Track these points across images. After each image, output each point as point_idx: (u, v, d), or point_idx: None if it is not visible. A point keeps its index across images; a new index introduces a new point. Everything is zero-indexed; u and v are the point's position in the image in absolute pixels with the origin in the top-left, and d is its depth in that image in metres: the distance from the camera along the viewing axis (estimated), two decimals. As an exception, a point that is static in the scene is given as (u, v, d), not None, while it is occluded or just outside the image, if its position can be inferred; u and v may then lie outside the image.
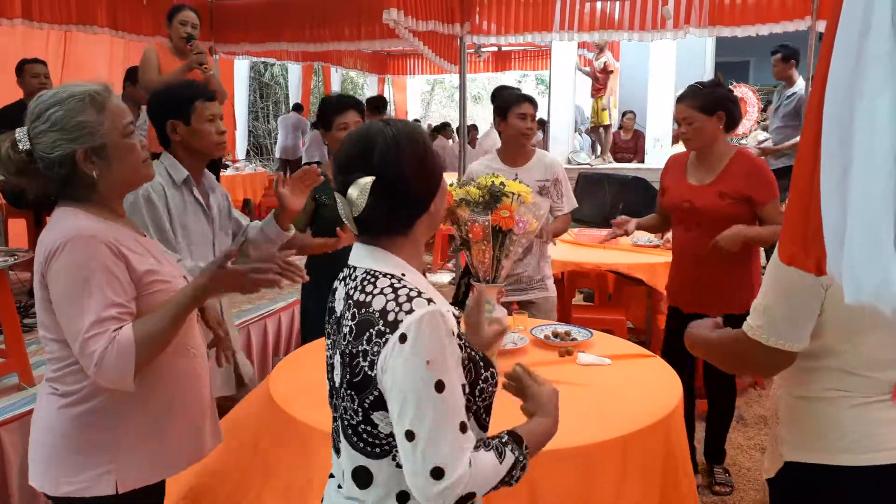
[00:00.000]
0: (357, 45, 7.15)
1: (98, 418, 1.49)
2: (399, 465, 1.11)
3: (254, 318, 3.99)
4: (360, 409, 1.13)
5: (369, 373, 1.09)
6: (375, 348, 1.08)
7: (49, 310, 1.45)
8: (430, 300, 1.10)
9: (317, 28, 6.79)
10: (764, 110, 9.58)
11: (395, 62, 13.05)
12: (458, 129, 6.70)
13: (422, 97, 19.46)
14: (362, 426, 1.14)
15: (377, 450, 1.14)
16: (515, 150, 3.16)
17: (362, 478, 1.16)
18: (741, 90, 7.28)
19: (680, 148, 3.21)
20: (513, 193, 2.23)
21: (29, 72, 4.50)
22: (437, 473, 1.05)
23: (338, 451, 1.22)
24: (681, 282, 2.89)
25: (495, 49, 11.83)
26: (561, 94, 8.44)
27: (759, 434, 3.52)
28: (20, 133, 1.44)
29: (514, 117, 3.07)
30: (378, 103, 7.38)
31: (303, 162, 9.95)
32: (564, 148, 8.33)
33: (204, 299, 1.52)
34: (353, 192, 1.12)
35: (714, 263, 2.66)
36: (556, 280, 4.20)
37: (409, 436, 1.06)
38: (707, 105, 2.63)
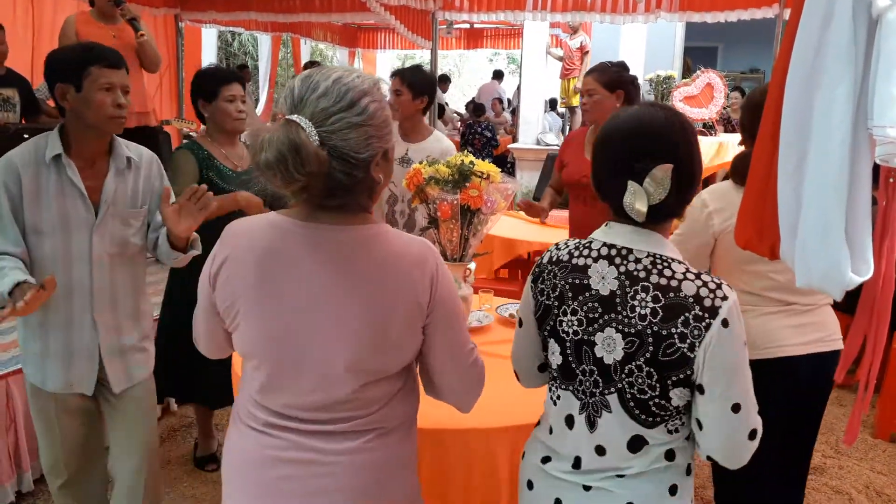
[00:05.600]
0: (328, 18, 7.04)
1: None
2: (671, 431, 1.23)
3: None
4: (658, 385, 1.18)
5: (689, 354, 1.16)
6: (696, 332, 1.15)
7: None
8: (728, 285, 1.20)
9: (287, -2, 6.65)
10: (729, 96, 9.74)
11: (366, 36, 12.89)
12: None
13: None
14: (656, 400, 1.19)
15: (657, 419, 1.21)
16: (404, 123, 3.17)
17: (636, 444, 1.23)
18: (708, 75, 7.32)
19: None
20: (482, 173, 2.25)
21: None
22: (753, 435, 1.21)
23: (592, 424, 1.25)
24: None
25: (467, 26, 11.78)
26: (532, 74, 8.44)
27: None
28: (304, 122, 1.09)
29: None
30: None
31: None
32: (534, 128, 8.34)
33: None
34: (652, 180, 1.17)
35: None
36: (522, 260, 4.26)
37: (736, 408, 1.18)
38: (611, 82, 2.80)
